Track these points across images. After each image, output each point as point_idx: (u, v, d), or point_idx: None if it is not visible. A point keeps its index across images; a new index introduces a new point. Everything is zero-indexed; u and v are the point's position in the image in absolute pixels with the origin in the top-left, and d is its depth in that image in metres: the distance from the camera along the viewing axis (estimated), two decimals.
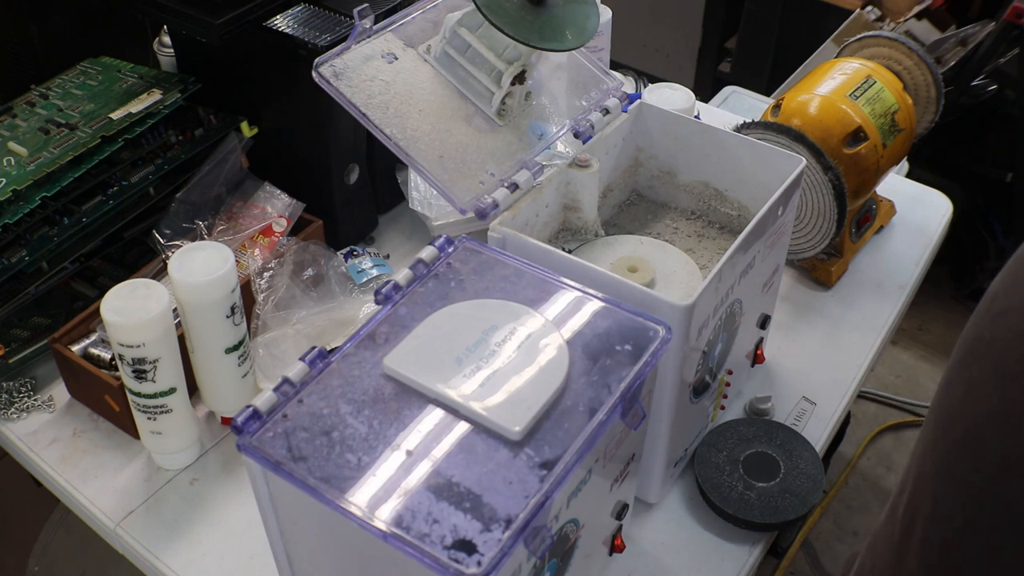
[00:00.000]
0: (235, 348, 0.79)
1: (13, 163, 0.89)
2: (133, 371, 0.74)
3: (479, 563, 0.49)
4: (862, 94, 0.96)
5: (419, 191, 1.02)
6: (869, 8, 1.87)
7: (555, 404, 0.57)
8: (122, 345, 0.73)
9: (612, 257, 0.80)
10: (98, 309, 0.75)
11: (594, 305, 0.64)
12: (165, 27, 1.09)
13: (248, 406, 0.56)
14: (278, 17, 0.90)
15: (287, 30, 0.89)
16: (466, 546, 0.50)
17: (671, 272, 0.79)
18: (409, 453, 0.55)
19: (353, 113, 0.75)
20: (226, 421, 0.84)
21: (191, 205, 0.93)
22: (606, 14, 1.06)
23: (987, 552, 0.39)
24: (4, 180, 0.87)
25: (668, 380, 0.68)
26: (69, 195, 0.90)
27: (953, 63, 1.70)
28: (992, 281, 0.43)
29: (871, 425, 1.80)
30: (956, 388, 0.41)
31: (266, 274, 0.88)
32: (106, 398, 0.83)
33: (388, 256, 1.02)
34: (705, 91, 1.36)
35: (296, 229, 0.94)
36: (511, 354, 0.59)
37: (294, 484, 0.54)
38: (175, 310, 0.77)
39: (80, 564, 1.28)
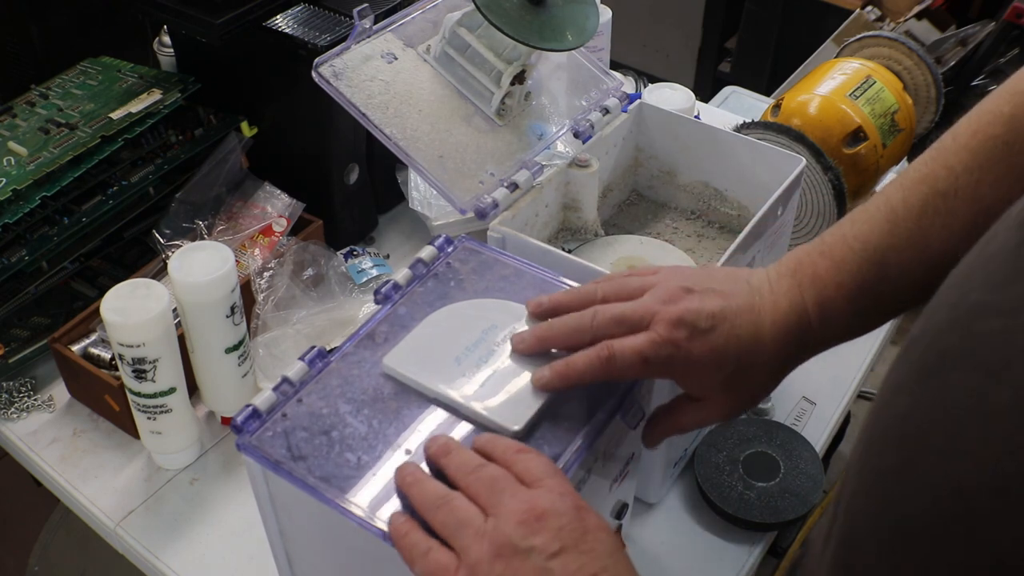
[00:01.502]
0: (235, 348, 0.79)
1: (13, 163, 0.89)
2: (133, 371, 0.74)
3: None
4: (862, 94, 0.96)
5: (419, 191, 1.02)
6: (869, 8, 1.87)
7: (554, 403, 0.57)
8: (122, 345, 0.73)
9: (612, 257, 0.80)
10: (98, 309, 0.75)
11: None
12: (165, 27, 1.09)
13: (248, 405, 0.56)
14: (278, 17, 0.90)
15: (287, 30, 0.89)
16: None
17: None
18: (409, 452, 0.55)
19: (353, 113, 0.75)
20: (226, 421, 0.84)
21: (191, 205, 0.93)
22: (606, 14, 1.06)
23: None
24: (4, 180, 0.87)
25: (668, 380, 0.68)
26: (69, 195, 0.90)
27: (953, 63, 1.71)
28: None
29: None
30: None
31: (266, 274, 0.88)
32: (106, 398, 0.83)
33: (388, 256, 1.02)
34: (705, 91, 1.36)
35: (296, 229, 0.94)
36: (510, 353, 0.59)
37: (294, 483, 0.54)
38: (175, 310, 0.77)
39: (80, 564, 1.28)
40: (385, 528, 0.51)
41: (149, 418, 0.78)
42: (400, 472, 0.52)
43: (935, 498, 0.35)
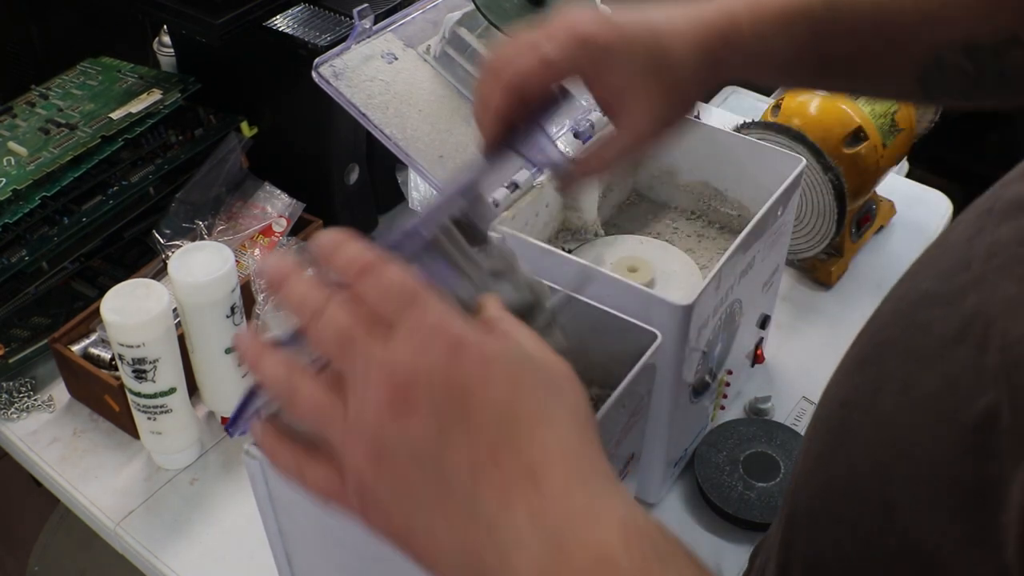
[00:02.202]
0: (235, 348, 0.79)
1: (13, 163, 0.89)
2: (133, 371, 0.74)
3: None
4: None
5: (419, 191, 1.02)
6: None
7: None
8: (122, 345, 0.73)
9: (612, 257, 0.80)
10: (98, 309, 0.75)
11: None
12: (165, 27, 1.09)
13: None
14: (278, 17, 0.90)
15: (287, 30, 0.89)
16: None
17: (671, 272, 0.79)
18: None
19: (353, 113, 0.75)
20: (226, 421, 0.84)
21: (191, 205, 0.93)
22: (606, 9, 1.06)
23: None
24: (4, 180, 0.87)
25: (668, 380, 0.68)
26: (69, 195, 0.90)
27: None
28: None
29: None
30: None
31: None
32: (106, 398, 0.83)
33: None
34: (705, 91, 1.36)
35: (296, 229, 0.94)
36: None
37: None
38: (175, 310, 0.77)
39: (80, 564, 1.28)
40: None
41: (149, 418, 0.78)
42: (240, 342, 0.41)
43: (862, 486, 0.35)
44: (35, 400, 0.88)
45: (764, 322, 0.85)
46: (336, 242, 0.38)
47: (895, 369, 0.35)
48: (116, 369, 0.80)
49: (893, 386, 0.35)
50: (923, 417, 0.33)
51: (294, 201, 0.94)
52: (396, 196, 1.06)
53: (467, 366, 0.36)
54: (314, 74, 0.75)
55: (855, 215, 1.02)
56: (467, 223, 0.48)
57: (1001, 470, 0.30)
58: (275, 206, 0.94)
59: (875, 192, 1.05)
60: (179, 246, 0.86)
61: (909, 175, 1.40)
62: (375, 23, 0.79)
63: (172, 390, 0.77)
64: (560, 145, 0.93)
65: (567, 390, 0.38)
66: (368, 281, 0.37)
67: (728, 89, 1.36)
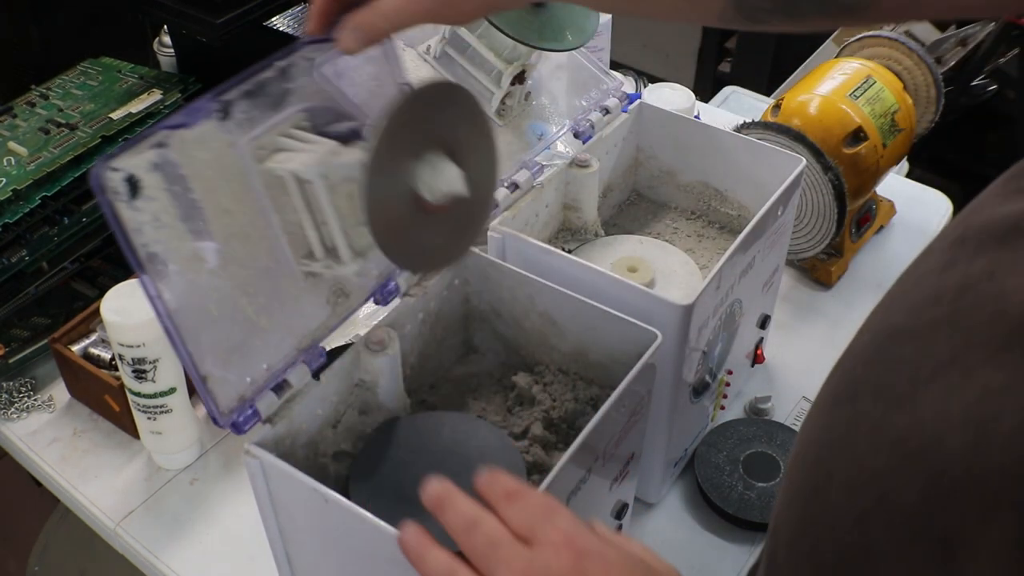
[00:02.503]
0: None
1: (13, 163, 0.89)
2: (133, 371, 0.74)
3: None
4: (862, 94, 0.96)
5: None
6: None
7: None
8: (122, 345, 0.73)
9: (612, 257, 0.80)
10: (98, 309, 0.75)
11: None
12: (165, 27, 1.09)
13: (248, 405, 0.56)
14: (278, 17, 0.91)
15: (287, 30, 0.89)
16: None
17: (671, 272, 0.79)
18: None
19: (354, 113, 0.74)
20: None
21: None
22: (606, 14, 1.06)
23: None
24: (4, 180, 0.87)
25: (668, 380, 0.68)
26: (69, 195, 0.90)
27: (953, 63, 1.70)
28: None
29: None
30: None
31: None
32: (106, 398, 0.83)
33: None
34: (705, 91, 1.36)
35: None
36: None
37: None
38: None
39: (80, 564, 1.28)
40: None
41: (149, 418, 0.78)
42: (430, 491, 0.48)
43: (838, 529, 0.34)
44: (35, 400, 0.88)
45: (764, 322, 0.85)
46: (494, 476, 0.48)
47: (869, 408, 0.35)
48: (116, 369, 0.80)
49: (866, 426, 0.34)
50: (896, 461, 0.32)
51: None
52: None
53: (592, 570, 0.43)
54: (315, 73, 0.75)
55: (855, 215, 1.02)
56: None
57: (966, 522, 0.30)
58: None
59: (875, 192, 1.05)
60: None
61: (909, 175, 1.40)
62: None
63: (172, 390, 0.77)
64: (561, 145, 0.93)
65: None
66: (516, 505, 0.46)
67: (728, 89, 1.36)
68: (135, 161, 0.49)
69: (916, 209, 1.12)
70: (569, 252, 0.79)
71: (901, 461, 0.32)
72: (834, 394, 0.38)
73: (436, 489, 0.48)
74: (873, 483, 0.33)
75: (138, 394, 0.76)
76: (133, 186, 0.48)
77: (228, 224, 0.53)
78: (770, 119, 0.96)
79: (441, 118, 0.52)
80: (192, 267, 0.52)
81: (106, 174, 0.47)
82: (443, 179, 0.51)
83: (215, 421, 0.53)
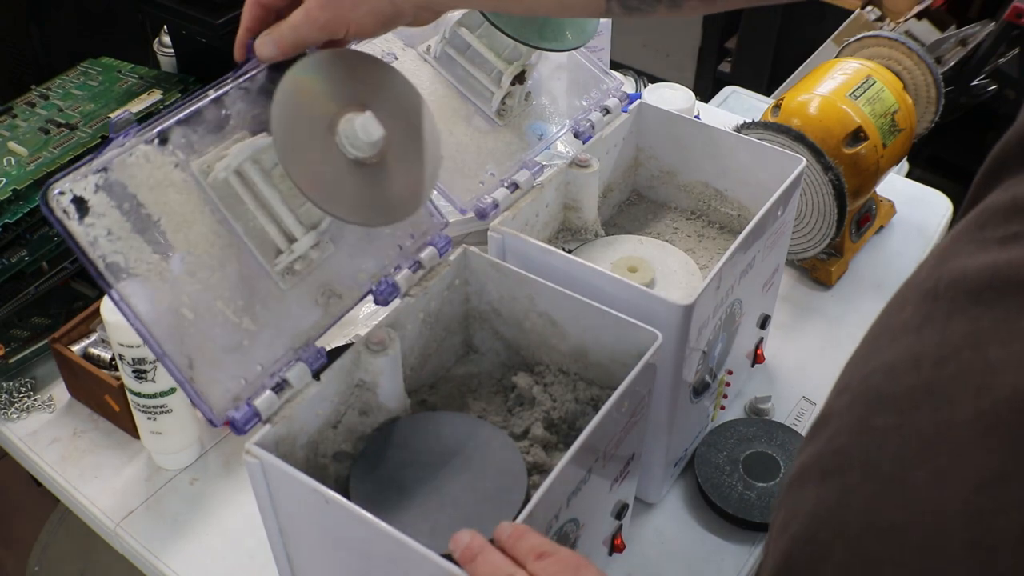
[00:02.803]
0: None
1: (13, 163, 0.89)
2: (133, 371, 0.74)
3: None
4: (862, 94, 0.96)
5: None
6: (869, 8, 1.87)
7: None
8: (122, 345, 0.73)
9: (612, 257, 0.80)
10: (98, 309, 0.75)
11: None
12: (165, 27, 1.09)
13: (247, 405, 0.56)
14: None
15: None
16: None
17: (671, 272, 0.79)
18: None
19: None
20: (226, 421, 0.84)
21: None
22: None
23: None
24: (4, 180, 0.87)
25: (668, 380, 0.68)
26: None
27: (953, 63, 1.70)
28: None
29: None
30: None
31: None
32: (106, 398, 0.83)
33: None
34: (705, 91, 1.37)
35: None
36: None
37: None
38: None
39: (80, 564, 1.28)
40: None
41: (149, 418, 0.78)
42: (459, 542, 0.50)
43: None
44: (35, 400, 0.88)
45: (764, 322, 0.85)
46: (520, 532, 0.50)
47: (856, 486, 0.34)
48: (116, 369, 0.80)
49: (857, 506, 0.33)
50: (895, 552, 0.31)
51: None
52: None
53: None
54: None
55: (855, 215, 1.02)
56: None
57: None
58: None
59: (875, 192, 1.05)
60: None
61: (909, 175, 1.40)
62: None
63: (172, 390, 0.77)
64: (561, 145, 0.93)
65: None
66: (545, 561, 0.48)
67: (728, 89, 1.36)
68: (80, 184, 0.52)
69: (916, 209, 1.12)
70: (569, 252, 0.79)
71: (901, 553, 0.31)
72: (820, 463, 0.36)
73: (465, 541, 0.50)
74: (874, 571, 0.32)
75: (138, 394, 0.76)
76: (80, 206, 0.52)
77: (188, 234, 0.56)
78: (770, 119, 0.96)
79: (351, 82, 0.58)
80: (157, 275, 0.54)
81: (53, 197, 0.51)
82: (359, 130, 0.55)
83: (209, 420, 0.54)
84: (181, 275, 0.55)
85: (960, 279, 0.34)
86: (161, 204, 0.55)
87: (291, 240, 0.59)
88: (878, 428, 0.34)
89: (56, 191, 0.51)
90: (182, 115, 0.57)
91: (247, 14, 0.60)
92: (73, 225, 0.52)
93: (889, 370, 0.35)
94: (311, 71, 0.57)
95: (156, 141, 0.56)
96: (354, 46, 0.63)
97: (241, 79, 0.59)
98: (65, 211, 0.51)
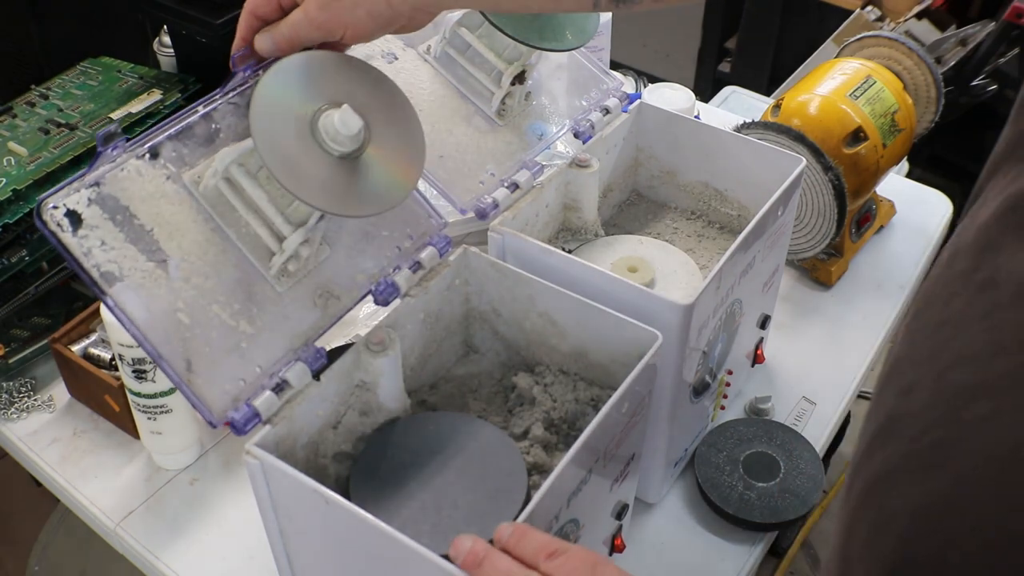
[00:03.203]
0: None
1: (13, 163, 0.89)
2: (133, 371, 0.74)
3: None
4: (862, 94, 0.96)
5: (419, 191, 1.01)
6: (869, 8, 1.87)
7: None
8: (122, 345, 0.73)
9: (612, 257, 0.80)
10: (98, 309, 0.75)
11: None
12: (165, 27, 1.09)
13: (247, 405, 0.56)
14: None
15: None
16: None
17: (671, 272, 0.79)
18: None
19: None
20: (226, 422, 0.84)
21: None
22: (606, 14, 1.06)
23: None
24: (4, 180, 0.87)
25: (668, 380, 0.68)
26: None
27: (953, 63, 1.70)
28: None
29: None
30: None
31: None
32: (106, 398, 0.83)
33: None
34: (705, 91, 1.37)
35: None
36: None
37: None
38: None
39: (80, 564, 1.28)
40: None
41: (149, 418, 0.78)
42: (460, 548, 0.49)
43: None
44: (35, 400, 0.88)
45: (764, 322, 0.85)
46: (522, 531, 0.48)
47: (972, 473, 0.33)
48: (116, 369, 0.80)
49: (979, 492, 0.33)
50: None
51: None
52: None
53: None
54: None
55: (855, 215, 1.02)
56: None
57: None
58: None
59: (875, 192, 1.05)
60: None
61: (909, 175, 1.40)
62: None
63: (172, 390, 0.77)
64: (561, 145, 0.93)
65: None
66: (557, 560, 0.47)
67: (728, 89, 1.36)
68: (73, 198, 0.53)
69: (916, 209, 1.12)
70: (569, 252, 0.79)
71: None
72: (914, 461, 0.36)
73: (467, 546, 0.48)
74: (1019, 545, 0.32)
75: (138, 394, 0.76)
76: (74, 219, 0.53)
77: (182, 242, 0.57)
78: (770, 119, 0.96)
79: (325, 82, 0.58)
80: (152, 282, 0.55)
81: (47, 211, 0.53)
82: (338, 124, 0.56)
83: (208, 421, 0.54)
84: (176, 281, 0.56)
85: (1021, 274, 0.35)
86: (154, 215, 0.56)
87: (281, 241, 0.59)
88: (976, 417, 0.34)
89: (50, 205, 0.52)
90: (172, 130, 0.58)
91: (242, 24, 0.61)
92: (67, 237, 0.53)
93: (968, 362, 0.35)
94: (285, 74, 0.58)
95: (147, 156, 0.57)
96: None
97: (231, 94, 0.60)
98: (59, 224, 0.53)
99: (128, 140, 0.56)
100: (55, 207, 0.53)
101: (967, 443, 0.34)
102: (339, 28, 0.60)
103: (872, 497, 0.37)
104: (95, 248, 0.54)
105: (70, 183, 0.54)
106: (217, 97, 0.60)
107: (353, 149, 0.57)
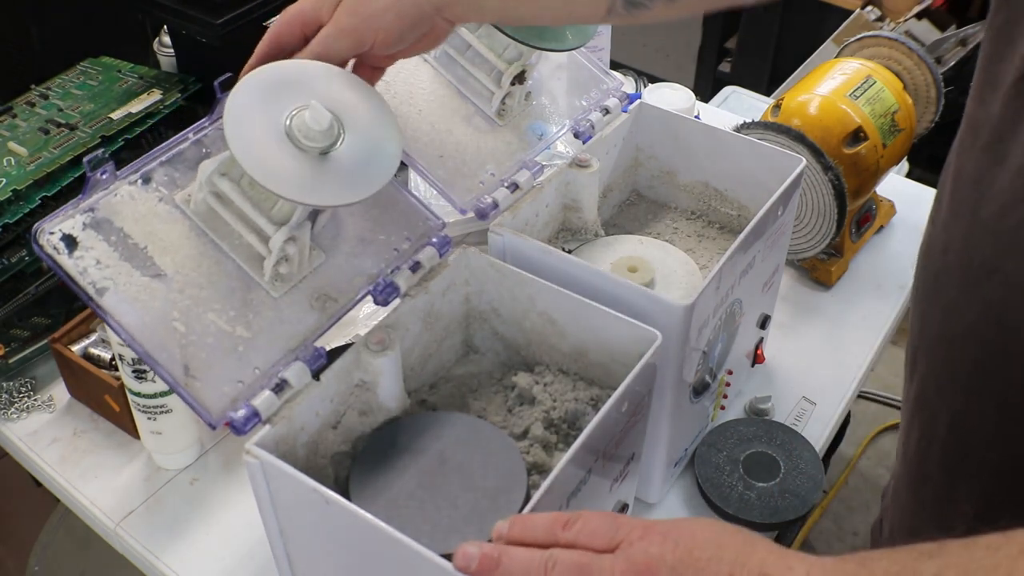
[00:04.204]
0: None
1: (13, 163, 0.89)
2: (133, 371, 0.74)
3: None
4: (862, 94, 0.96)
5: (419, 191, 1.02)
6: (869, 8, 1.87)
7: None
8: (122, 345, 0.73)
9: (612, 257, 0.80)
10: None
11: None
12: (165, 27, 1.09)
13: (247, 405, 0.56)
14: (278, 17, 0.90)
15: None
16: None
17: (671, 272, 0.79)
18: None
19: None
20: (226, 422, 0.84)
21: None
22: None
23: None
24: (4, 180, 0.87)
25: (668, 380, 0.68)
26: (69, 195, 0.89)
27: (953, 63, 1.70)
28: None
29: (871, 425, 1.80)
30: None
31: None
32: (106, 398, 0.83)
33: None
34: (705, 91, 1.37)
35: None
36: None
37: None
38: None
39: (80, 564, 1.28)
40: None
41: (149, 418, 0.78)
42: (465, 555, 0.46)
43: None
44: (35, 400, 0.88)
45: (764, 322, 0.85)
46: (520, 520, 0.47)
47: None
48: (116, 369, 0.80)
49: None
50: None
51: None
52: None
53: (697, 551, 0.44)
54: None
55: (855, 215, 1.02)
56: None
57: None
58: None
59: (875, 192, 1.05)
60: None
61: (909, 175, 1.40)
62: None
63: (172, 390, 0.77)
64: (561, 145, 0.93)
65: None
66: (575, 527, 0.46)
67: (728, 89, 1.36)
68: (68, 223, 0.55)
69: (916, 209, 1.12)
70: (569, 252, 0.79)
71: None
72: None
73: (475, 552, 0.46)
74: None
75: (138, 394, 0.76)
76: (69, 243, 0.55)
77: (176, 257, 0.58)
78: (770, 119, 0.96)
79: (291, 89, 0.59)
80: (147, 294, 0.57)
81: (43, 237, 0.55)
82: (309, 120, 0.57)
83: (207, 423, 0.54)
84: (172, 293, 0.57)
85: None
86: (147, 233, 0.58)
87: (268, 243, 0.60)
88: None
89: (46, 232, 0.55)
90: (164, 157, 0.60)
91: (261, 48, 0.62)
92: (63, 259, 0.55)
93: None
94: (256, 80, 0.59)
95: (139, 182, 0.59)
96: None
97: (219, 120, 0.61)
98: (55, 248, 0.55)
99: (118, 167, 0.58)
100: (51, 233, 0.55)
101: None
102: (369, 34, 0.60)
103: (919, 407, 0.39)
104: (90, 267, 0.55)
105: (64, 210, 0.56)
106: (206, 124, 0.62)
107: (328, 144, 0.58)
